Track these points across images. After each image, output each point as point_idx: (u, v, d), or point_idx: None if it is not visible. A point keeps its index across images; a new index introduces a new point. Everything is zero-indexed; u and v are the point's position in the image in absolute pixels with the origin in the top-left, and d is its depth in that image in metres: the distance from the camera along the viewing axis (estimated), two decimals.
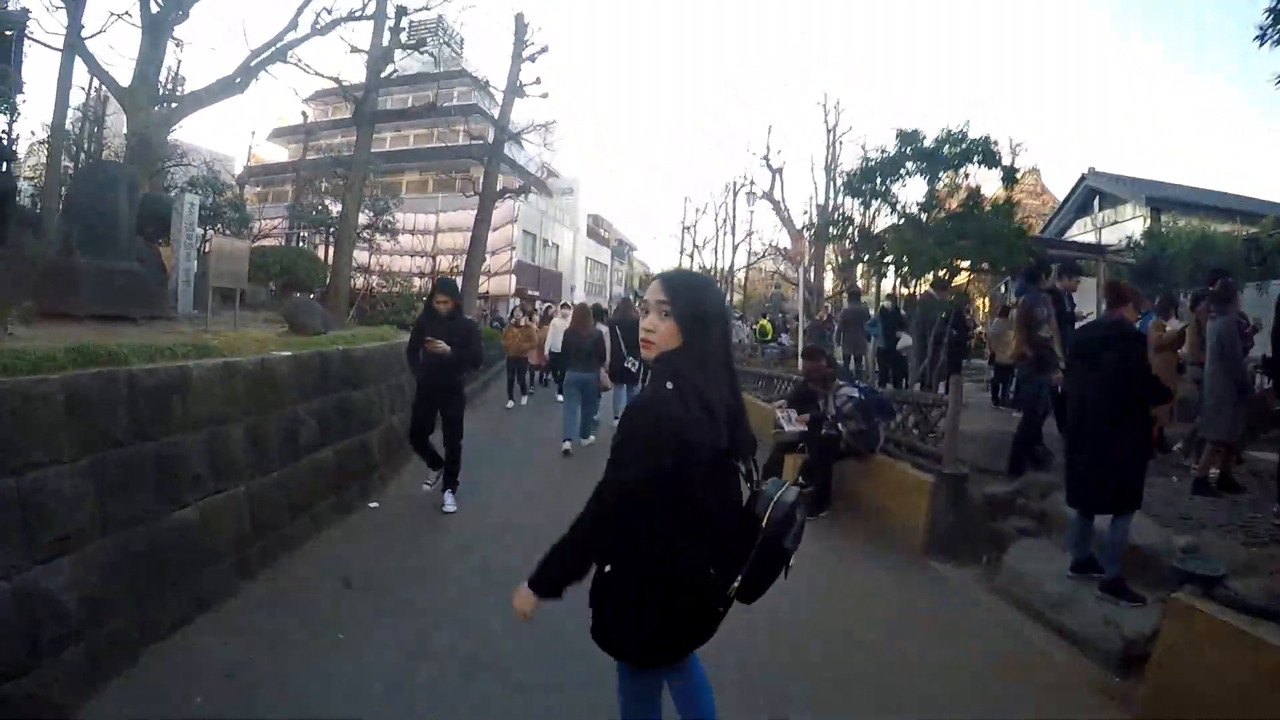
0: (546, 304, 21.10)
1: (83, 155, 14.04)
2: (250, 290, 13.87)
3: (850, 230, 9.23)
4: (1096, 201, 17.92)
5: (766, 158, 31.92)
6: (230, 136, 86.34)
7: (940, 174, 7.71)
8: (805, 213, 32.15)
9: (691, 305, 2.06)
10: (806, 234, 30.10)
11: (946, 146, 7.47)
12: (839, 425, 6.40)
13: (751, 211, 33.58)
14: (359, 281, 17.99)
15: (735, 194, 29.72)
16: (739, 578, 2.03)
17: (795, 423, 6.90)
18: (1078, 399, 4.72)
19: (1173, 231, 12.58)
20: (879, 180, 7.86)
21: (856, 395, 6.40)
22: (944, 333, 8.48)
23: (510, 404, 12.15)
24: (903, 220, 8.00)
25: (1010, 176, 7.90)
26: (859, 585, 5.14)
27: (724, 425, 2.03)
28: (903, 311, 11.88)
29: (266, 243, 16.62)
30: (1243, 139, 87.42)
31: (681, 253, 44.68)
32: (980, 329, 14.22)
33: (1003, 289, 14.56)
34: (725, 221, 35.67)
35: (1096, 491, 4.48)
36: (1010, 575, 5.02)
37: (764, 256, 33.29)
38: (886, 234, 8.50)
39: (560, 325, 12.04)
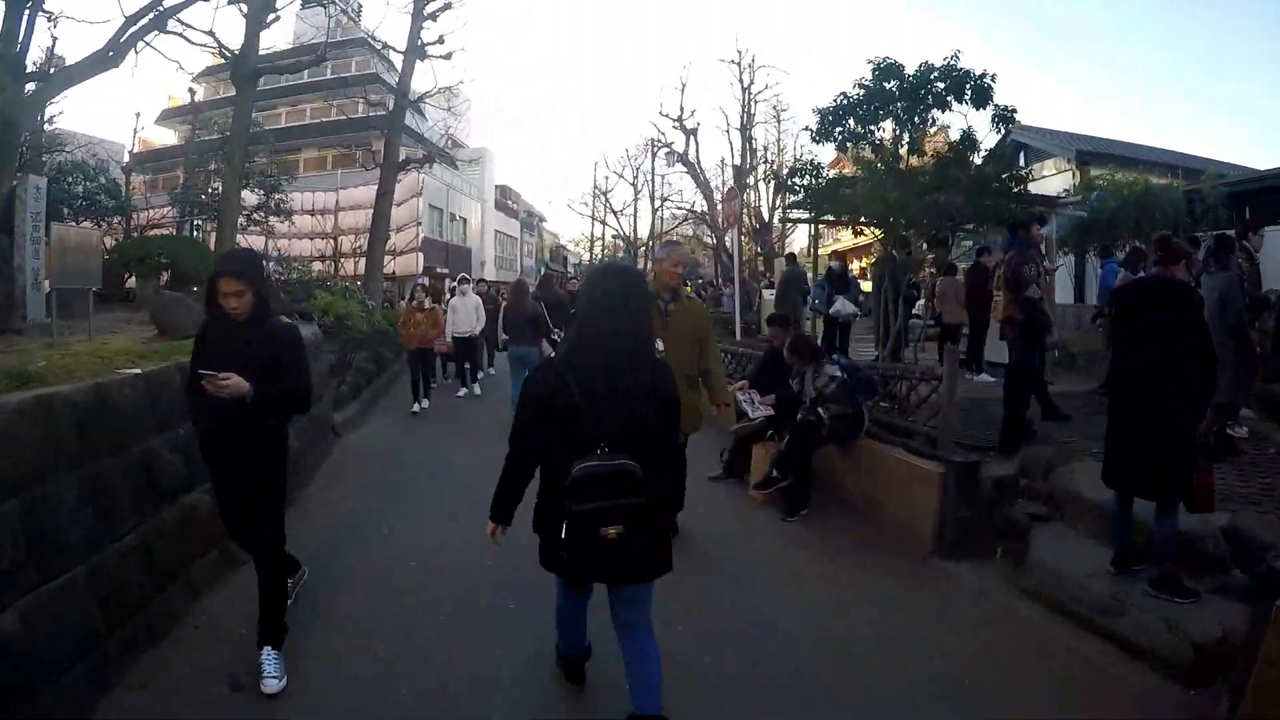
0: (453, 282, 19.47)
1: None
2: (137, 286, 12.35)
3: (815, 181, 8.08)
4: (1023, 156, 17.64)
5: (680, 119, 31.07)
6: (120, 122, 79.48)
7: (921, 114, 6.85)
8: (719, 176, 31.71)
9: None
10: (739, 192, 29.98)
11: (935, 80, 6.58)
12: (819, 410, 5.59)
13: (663, 176, 32.39)
14: None
15: (654, 153, 28.39)
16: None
17: (761, 406, 6.09)
18: (1122, 367, 4.06)
19: (1110, 184, 12.28)
20: (854, 121, 6.95)
21: (840, 374, 5.59)
22: (911, 296, 7.84)
23: (416, 407, 9.86)
24: (881, 168, 7.10)
25: (1006, 118, 7.00)
26: (863, 596, 4.40)
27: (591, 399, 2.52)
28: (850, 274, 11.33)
29: (158, 234, 14.72)
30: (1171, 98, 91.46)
31: (594, 220, 43.53)
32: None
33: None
34: (644, 184, 34.33)
35: (1143, 473, 3.83)
36: (1040, 574, 4.33)
37: (683, 221, 32.47)
38: (856, 185, 7.54)
39: (459, 305, 10.82)
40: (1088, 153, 16.91)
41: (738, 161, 30.29)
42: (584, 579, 2.87)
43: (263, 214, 14.45)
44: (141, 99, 51.03)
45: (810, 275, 14.17)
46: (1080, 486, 4.82)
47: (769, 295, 18.44)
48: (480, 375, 12.24)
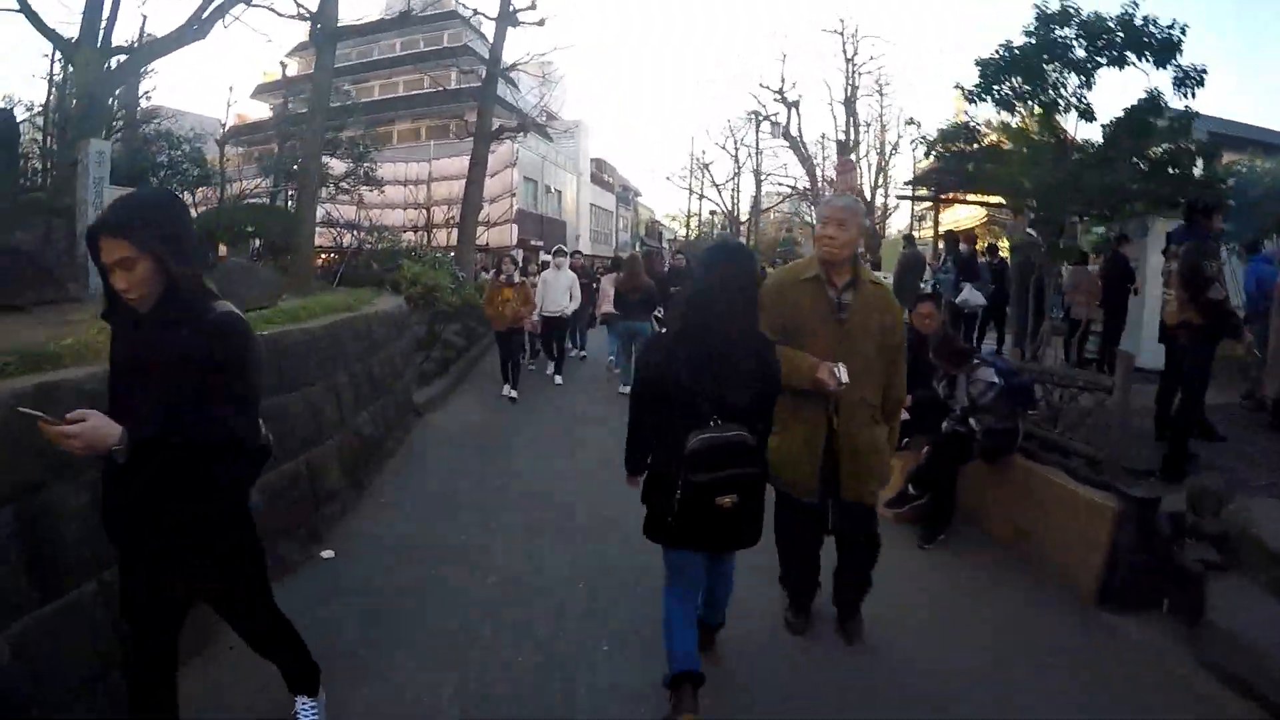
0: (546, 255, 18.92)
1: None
2: (232, 254, 12.39)
3: (970, 148, 6.63)
4: None
5: (781, 91, 29.84)
6: (217, 99, 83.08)
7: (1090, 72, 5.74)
8: (820, 152, 30.30)
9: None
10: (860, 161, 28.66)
11: (1112, 30, 5.48)
12: (970, 420, 4.75)
13: (762, 151, 31.07)
14: (347, 238, 16.51)
15: (758, 125, 27.19)
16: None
17: None
18: None
19: (1251, 171, 10.71)
20: (1023, 79, 5.85)
21: (998, 381, 4.71)
22: (1044, 286, 6.86)
23: (508, 391, 8.88)
24: (1046, 137, 6.02)
25: (1195, 79, 5.64)
26: (1016, 648, 3.63)
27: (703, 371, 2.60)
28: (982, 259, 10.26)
29: (248, 204, 14.83)
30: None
31: (691, 194, 42.59)
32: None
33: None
34: (747, 158, 32.95)
35: None
36: (1222, 642, 3.44)
37: (786, 199, 31.21)
38: (1010, 155, 6.38)
39: (550, 278, 9.86)
40: (1221, 135, 14.85)
41: (841, 136, 29.11)
42: (687, 543, 2.79)
43: (351, 182, 14.20)
44: (237, 75, 52.85)
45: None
46: (1259, 530, 3.88)
47: (879, 277, 17.42)
48: (572, 353, 11.26)
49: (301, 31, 11.27)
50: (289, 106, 18.53)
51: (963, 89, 6.09)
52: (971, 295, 9.35)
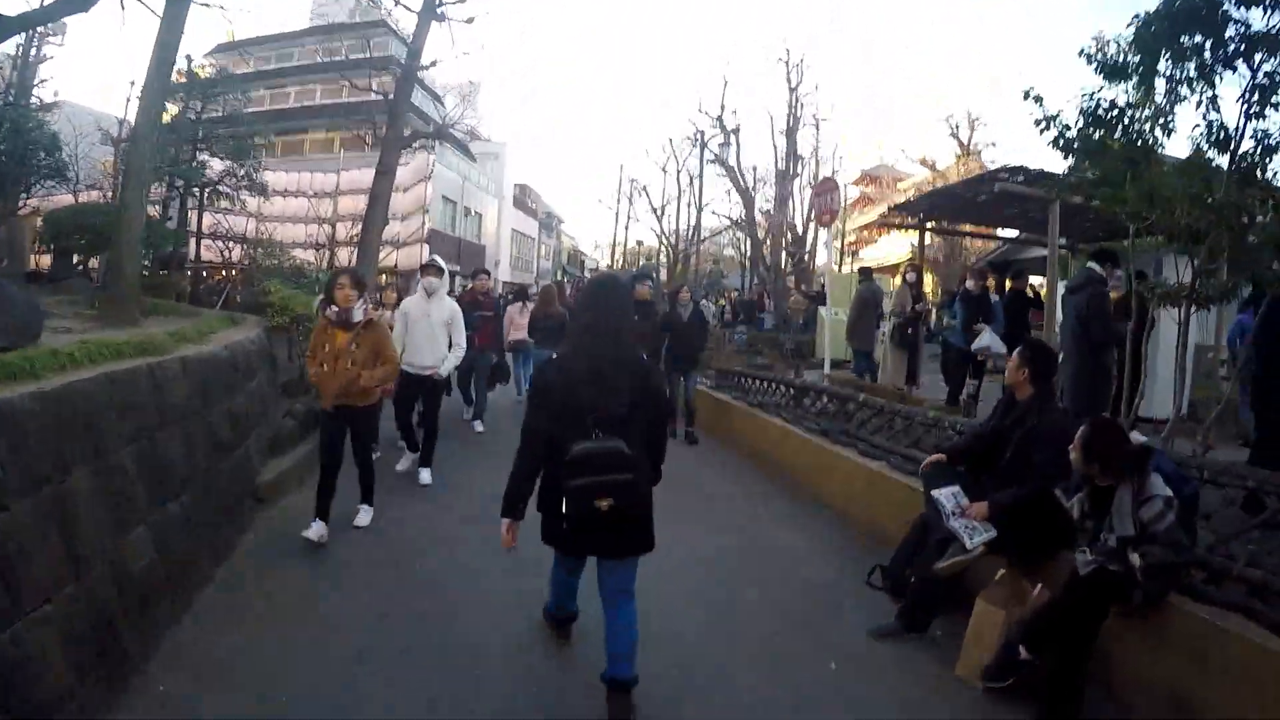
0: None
1: None
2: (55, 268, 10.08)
3: (1100, 138, 4.64)
4: None
5: (720, 118, 28.63)
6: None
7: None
8: (754, 181, 29.10)
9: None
10: (782, 201, 27.46)
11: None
12: (1129, 554, 2.99)
13: (700, 177, 29.54)
14: (237, 252, 14.27)
15: (703, 145, 25.65)
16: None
17: (979, 528, 3.59)
18: None
19: None
20: (1166, 53, 4.22)
21: (1170, 494, 2.98)
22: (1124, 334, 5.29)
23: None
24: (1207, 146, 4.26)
25: None
26: None
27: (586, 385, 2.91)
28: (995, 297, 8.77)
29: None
30: None
31: (619, 221, 41.04)
32: None
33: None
34: (689, 182, 31.26)
35: None
36: None
37: (724, 230, 29.81)
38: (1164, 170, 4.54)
39: (415, 312, 6.30)
40: None
41: (782, 166, 28.00)
42: (579, 551, 3.19)
43: (231, 185, 11.90)
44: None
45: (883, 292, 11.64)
46: None
47: (826, 314, 15.95)
48: (467, 417, 8.85)
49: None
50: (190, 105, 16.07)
51: (1088, 55, 4.39)
52: (993, 342, 7.80)
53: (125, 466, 3.37)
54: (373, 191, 13.53)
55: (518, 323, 9.64)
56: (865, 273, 11.86)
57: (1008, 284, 9.99)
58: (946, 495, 3.73)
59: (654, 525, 3.06)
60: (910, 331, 9.22)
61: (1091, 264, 5.66)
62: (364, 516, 5.14)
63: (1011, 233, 11.99)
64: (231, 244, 13.97)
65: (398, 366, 5.51)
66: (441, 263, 6.61)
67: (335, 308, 4.91)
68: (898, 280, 18.89)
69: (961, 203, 9.77)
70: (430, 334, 6.23)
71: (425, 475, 6.32)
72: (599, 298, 3.12)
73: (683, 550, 4.64)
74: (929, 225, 11.26)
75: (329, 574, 4.39)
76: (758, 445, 7.56)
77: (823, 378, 8.97)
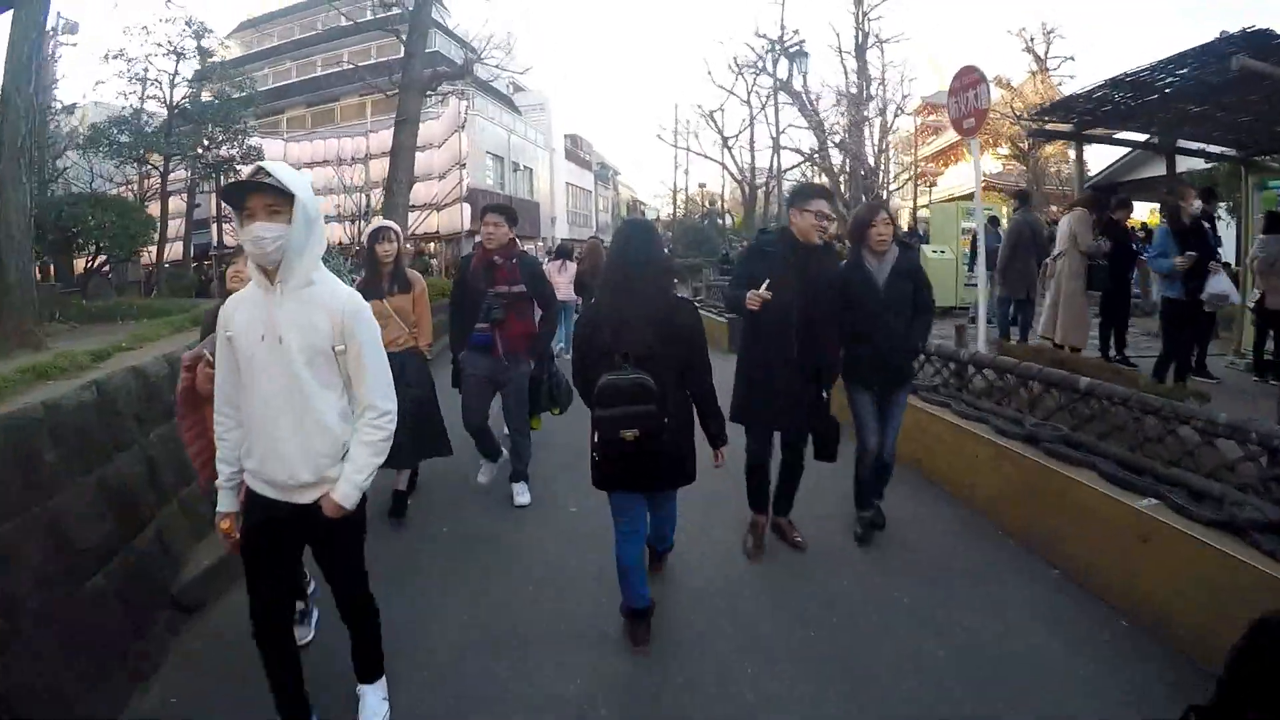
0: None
1: None
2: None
3: None
4: None
5: (780, 40, 25.51)
6: None
7: None
8: (838, 104, 26.01)
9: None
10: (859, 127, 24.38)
11: None
12: None
13: (775, 98, 26.24)
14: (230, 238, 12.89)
15: (778, 57, 22.50)
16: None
17: None
18: None
19: None
20: None
21: None
22: None
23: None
24: None
25: None
26: None
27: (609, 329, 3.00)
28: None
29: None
30: None
31: (676, 168, 38.21)
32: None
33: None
34: (761, 105, 27.95)
35: None
36: None
37: (800, 164, 26.73)
38: None
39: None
40: None
41: (854, 89, 24.90)
42: (620, 485, 3.14)
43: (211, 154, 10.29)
44: None
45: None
46: None
47: (930, 253, 13.39)
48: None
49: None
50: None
51: None
52: (1224, 286, 5.54)
53: None
54: (394, 143, 11.56)
55: (556, 281, 9.38)
56: (1022, 198, 9.31)
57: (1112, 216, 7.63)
58: None
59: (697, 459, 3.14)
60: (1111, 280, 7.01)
61: None
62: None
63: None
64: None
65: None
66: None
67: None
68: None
69: (1149, 99, 7.01)
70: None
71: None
72: (621, 240, 3.25)
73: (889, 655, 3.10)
74: (1088, 131, 8.47)
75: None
76: (915, 451, 5.22)
77: (985, 344, 6.62)
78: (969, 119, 6.48)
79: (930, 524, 4.42)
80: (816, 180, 26.31)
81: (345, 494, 2.31)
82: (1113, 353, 7.45)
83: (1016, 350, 6.11)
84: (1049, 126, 9.33)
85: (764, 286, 3.51)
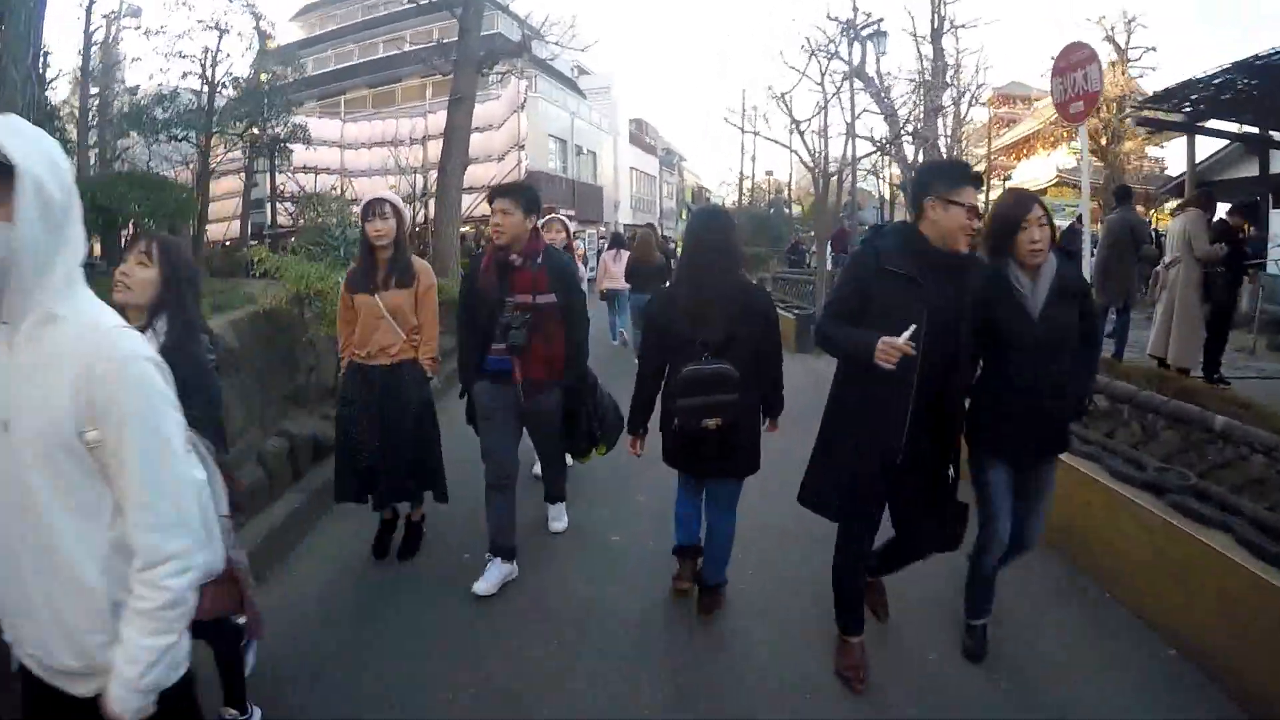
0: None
1: None
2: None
3: None
4: None
5: (852, 23, 24.36)
6: None
7: None
8: (913, 91, 24.74)
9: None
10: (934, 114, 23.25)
11: None
12: None
13: (851, 82, 24.86)
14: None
15: (852, 40, 21.24)
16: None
17: None
18: None
19: None
20: None
21: None
22: None
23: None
24: None
25: None
26: None
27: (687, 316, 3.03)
28: None
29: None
30: None
31: (744, 154, 37.16)
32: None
33: None
34: (836, 88, 26.45)
35: None
36: None
37: (876, 152, 25.36)
38: None
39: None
40: None
41: (929, 75, 23.67)
42: (691, 469, 3.28)
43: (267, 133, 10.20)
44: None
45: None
46: None
47: None
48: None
49: None
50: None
51: None
52: None
53: None
54: (448, 122, 11.17)
55: (611, 271, 10.00)
56: (1123, 193, 7.73)
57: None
58: None
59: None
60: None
61: None
62: None
63: None
64: (298, 206, 12.41)
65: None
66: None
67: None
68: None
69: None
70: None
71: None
72: (695, 229, 3.22)
73: None
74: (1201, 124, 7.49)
75: None
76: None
77: None
78: (1076, 103, 5.69)
79: (1024, 582, 3.67)
80: (886, 173, 25.11)
81: (120, 699, 1.28)
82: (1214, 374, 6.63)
83: (1127, 372, 5.32)
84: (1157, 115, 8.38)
85: (907, 334, 2.39)
